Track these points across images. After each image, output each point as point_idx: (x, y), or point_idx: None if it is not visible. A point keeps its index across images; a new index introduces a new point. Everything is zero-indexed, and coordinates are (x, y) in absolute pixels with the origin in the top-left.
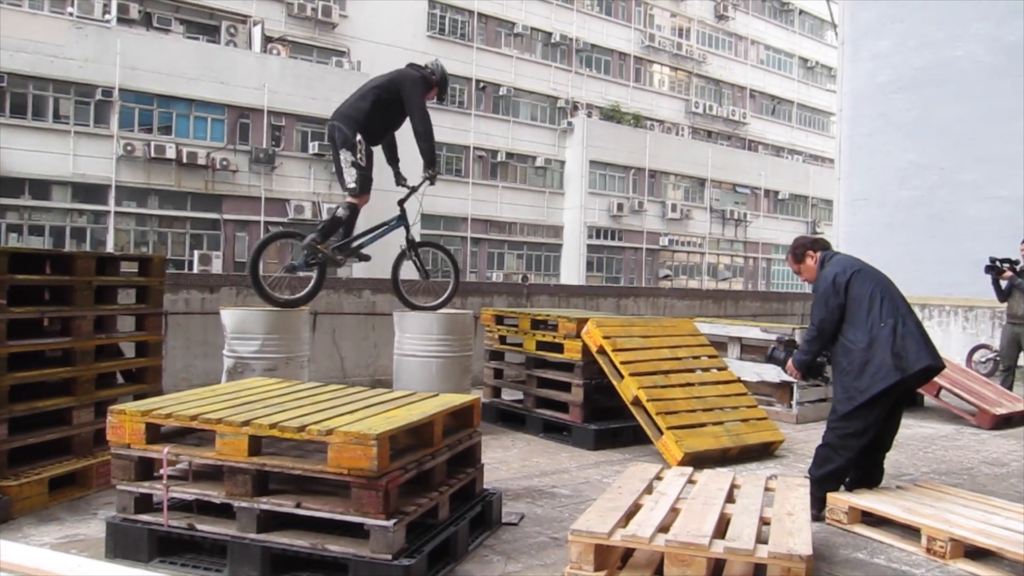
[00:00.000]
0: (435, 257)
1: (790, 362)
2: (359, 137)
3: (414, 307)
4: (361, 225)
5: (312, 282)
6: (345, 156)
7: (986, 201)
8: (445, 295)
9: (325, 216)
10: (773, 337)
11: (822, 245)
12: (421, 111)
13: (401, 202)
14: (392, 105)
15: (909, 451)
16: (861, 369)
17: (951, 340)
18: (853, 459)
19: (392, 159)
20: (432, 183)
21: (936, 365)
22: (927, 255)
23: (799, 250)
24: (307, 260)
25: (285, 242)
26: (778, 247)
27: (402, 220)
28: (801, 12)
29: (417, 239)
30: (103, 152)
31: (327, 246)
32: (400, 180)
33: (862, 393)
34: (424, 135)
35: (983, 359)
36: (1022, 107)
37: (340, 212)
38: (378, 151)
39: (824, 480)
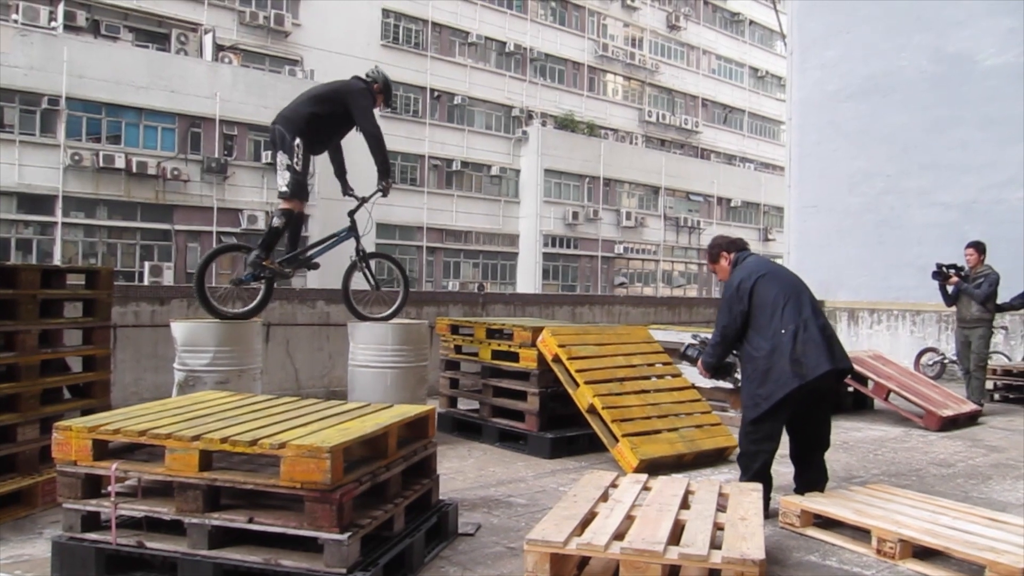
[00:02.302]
0: (388, 268)
1: (699, 362)
2: (297, 141)
3: (364, 318)
4: (313, 235)
5: (260, 295)
6: (281, 159)
7: (930, 207)
8: (395, 306)
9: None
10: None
11: (738, 246)
12: (371, 121)
13: (351, 213)
14: (336, 115)
15: (859, 454)
16: (764, 376)
17: (900, 344)
18: (770, 460)
19: (339, 171)
20: (385, 195)
21: (839, 368)
22: (875, 260)
23: (714, 250)
24: (254, 275)
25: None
26: None
27: (352, 231)
28: (751, 22)
29: (371, 249)
30: (49, 162)
31: (272, 260)
32: (348, 191)
33: (766, 400)
34: (376, 144)
35: (931, 362)
36: (962, 116)
37: (276, 222)
38: (325, 162)
39: None
